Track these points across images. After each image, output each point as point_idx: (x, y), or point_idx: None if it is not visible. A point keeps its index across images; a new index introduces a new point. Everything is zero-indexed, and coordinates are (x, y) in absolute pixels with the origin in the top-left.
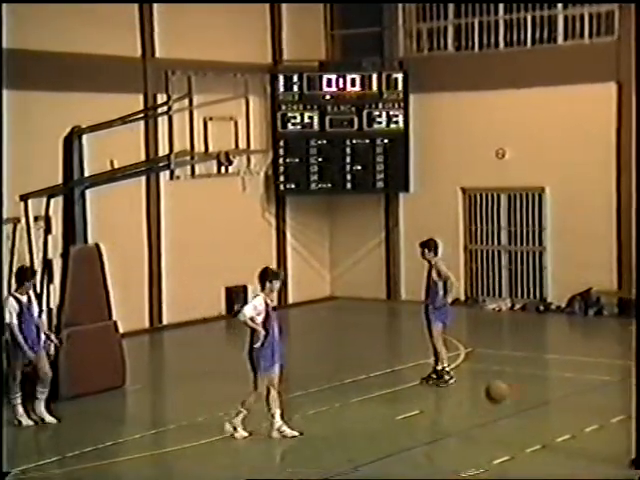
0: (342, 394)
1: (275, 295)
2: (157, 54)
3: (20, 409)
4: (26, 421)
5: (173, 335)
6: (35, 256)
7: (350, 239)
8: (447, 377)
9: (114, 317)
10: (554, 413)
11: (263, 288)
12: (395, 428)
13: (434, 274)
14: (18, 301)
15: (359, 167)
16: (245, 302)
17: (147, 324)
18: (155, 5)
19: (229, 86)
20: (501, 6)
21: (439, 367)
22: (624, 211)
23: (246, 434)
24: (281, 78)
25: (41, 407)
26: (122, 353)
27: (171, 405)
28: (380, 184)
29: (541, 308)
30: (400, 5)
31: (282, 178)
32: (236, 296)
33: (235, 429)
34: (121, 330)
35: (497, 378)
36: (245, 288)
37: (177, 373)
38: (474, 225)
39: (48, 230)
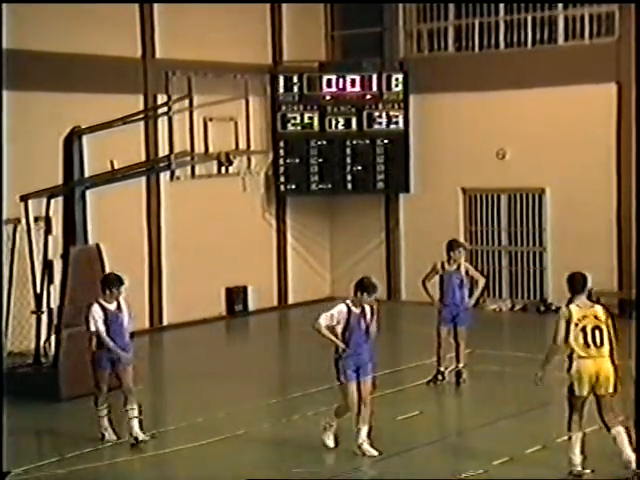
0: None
1: (368, 308)
2: (157, 55)
3: (105, 422)
4: (110, 435)
5: (173, 335)
6: (35, 257)
7: (350, 240)
8: (440, 377)
9: None
10: (554, 414)
11: (355, 296)
12: (395, 428)
13: (462, 275)
14: (103, 309)
15: (359, 168)
16: (245, 302)
17: (147, 324)
18: (155, 5)
19: (229, 87)
20: (501, 7)
21: (460, 366)
22: (624, 212)
23: (375, 452)
24: (281, 79)
25: (135, 426)
26: None
27: (171, 405)
28: (380, 185)
29: (541, 309)
30: (400, 6)
31: (282, 179)
32: (236, 296)
33: (360, 447)
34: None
35: (497, 379)
36: (245, 288)
37: (177, 373)
38: (474, 226)
39: (48, 230)
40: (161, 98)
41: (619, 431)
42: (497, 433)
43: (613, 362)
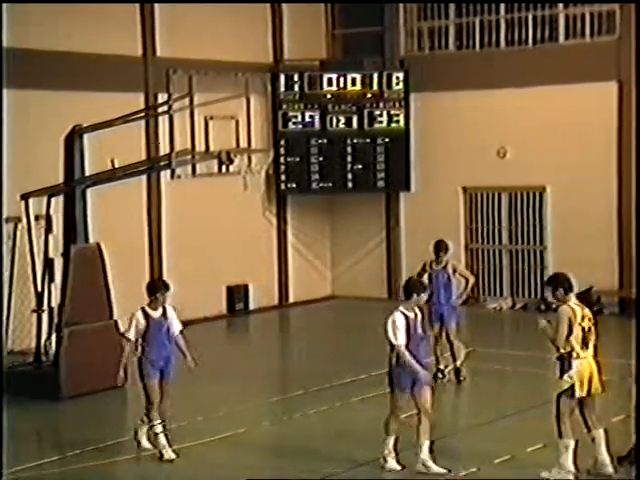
0: (343, 393)
1: (418, 310)
2: (158, 53)
3: (162, 439)
4: (168, 454)
5: None
6: (36, 255)
7: (351, 238)
8: (440, 375)
9: (115, 316)
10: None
11: (408, 299)
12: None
13: (449, 273)
14: (146, 316)
15: (360, 166)
16: (246, 301)
17: None
18: (156, 4)
19: (230, 85)
20: (502, 5)
21: (457, 364)
22: (625, 210)
23: (398, 467)
24: (282, 77)
25: (162, 440)
26: (123, 352)
27: (172, 404)
28: (381, 183)
29: (542, 307)
30: (401, 4)
31: (283, 177)
32: (237, 295)
33: (385, 460)
34: (122, 329)
35: (498, 377)
36: (246, 287)
37: (178, 372)
38: (475, 224)
39: (49, 229)
40: (162, 97)
41: (600, 434)
42: (498, 431)
43: (597, 362)
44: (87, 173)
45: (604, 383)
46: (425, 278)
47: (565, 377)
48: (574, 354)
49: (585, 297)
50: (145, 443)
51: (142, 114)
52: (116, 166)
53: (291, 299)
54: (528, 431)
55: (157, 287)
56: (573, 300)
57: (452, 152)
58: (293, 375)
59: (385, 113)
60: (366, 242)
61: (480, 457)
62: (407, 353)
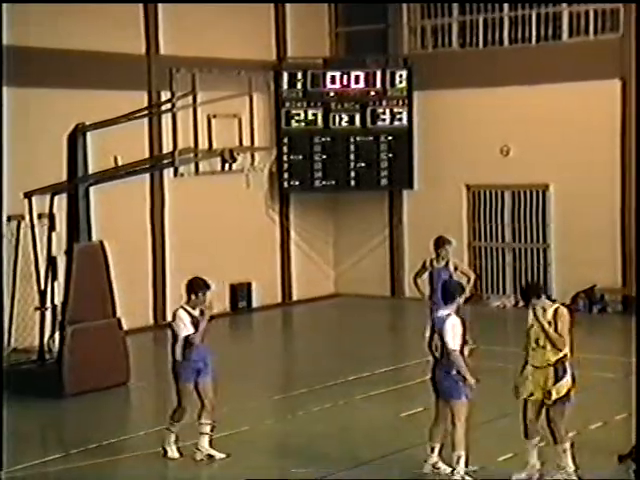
0: (346, 391)
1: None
2: (161, 51)
3: (172, 438)
4: (173, 453)
5: None
6: (39, 253)
7: (354, 236)
8: None
9: (118, 314)
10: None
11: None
12: (399, 425)
13: (450, 271)
14: (190, 315)
15: (363, 164)
16: (249, 299)
17: (151, 321)
18: (159, 2)
19: (233, 83)
20: (506, 3)
21: None
22: (628, 208)
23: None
24: (285, 75)
25: (205, 443)
26: (126, 350)
27: (175, 402)
28: (384, 181)
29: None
30: (404, 2)
31: (286, 175)
32: (240, 293)
33: (452, 471)
34: (125, 327)
35: (501, 375)
36: (249, 285)
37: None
38: (478, 222)
39: (52, 227)
40: (165, 95)
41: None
42: (501, 429)
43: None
44: (90, 171)
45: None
46: (426, 276)
47: (564, 381)
48: (567, 359)
49: (588, 295)
50: (173, 453)
51: (145, 112)
52: (119, 164)
53: (294, 297)
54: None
55: (200, 286)
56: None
57: (455, 150)
58: (296, 373)
59: (388, 111)
60: (369, 240)
61: (483, 455)
62: (461, 359)
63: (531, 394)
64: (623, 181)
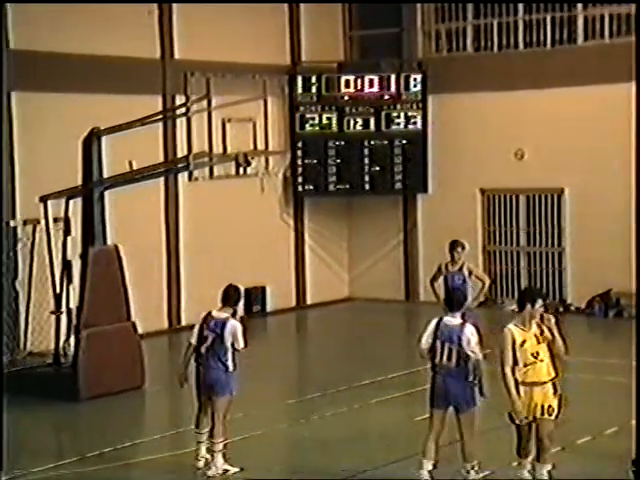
0: (360, 395)
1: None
2: (176, 55)
3: (203, 450)
4: (201, 465)
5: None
6: (54, 257)
7: (368, 240)
8: None
9: (133, 318)
10: (574, 415)
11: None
12: (413, 429)
13: (465, 276)
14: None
15: (377, 168)
16: (264, 303)
17: (166, 325)
18: (174, 6)
19: (247, 87)
20: (520, 6)
21: None
22: None
23: None
24: (299, 79)
25: (219, 461)
26: (141, 354)
27: (190, 406)
28: (398, 185)
29: (560, 309)
30: (419, 6)
31: (300, 179)
32: (254, 297)
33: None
34: (140, 331)
35: None
36: (263, 289)
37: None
38: (493, 226)
39: (67, 231)
40: (179, 99)
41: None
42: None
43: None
44: (105, 175)
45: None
46: (441, 280)
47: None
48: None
49: (604, 299)
50: (200, 464)
51: (160, 116)
52: (134, 168)
53: (308, 301)
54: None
55: (233, 296)
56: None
57: (470, 154)
58: (310, 377)
59: (402, 115)
60: (383, 244)
61: (497, 460)
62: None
63: (526, 416)
64: (638, 185)
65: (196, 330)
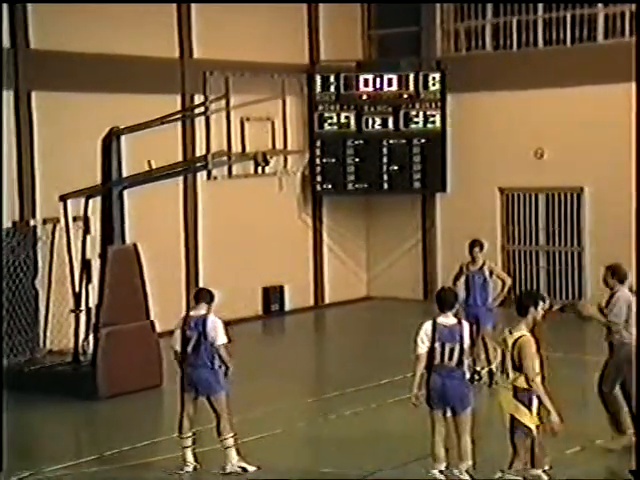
0: (378, 395)
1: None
2: (195, 55)
3: (189, 455)
4: (190, 469)
5: None
6: (74, 256)
7: (387, 239)
8: (477, 377)
9: (152, 317)
10: (593, 414)
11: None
12: (427, 429)
13: (485, 275)
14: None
15: (396, 167)
16: (282, 302)
17: None
18: (193, 6)
19: (266, 86)
20: (540, 5)
21: (492, 367)
22: None
23: None
24: (318, 78)
25: (233, 456)
26: (159, 353)
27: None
28: (417, 184)
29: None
30: (438, 4)
31: (319, 178)
32: (273, 296)
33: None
34: (158, 330)
35: None
36: (282, 288)
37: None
38: (512, 225)
39: (87, 230)
40: (198, 98)
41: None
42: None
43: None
44: (124, 174)
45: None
46: (462, 280)
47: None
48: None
49: None
50: (189, 468)
51: (179, 116)
52: (153, 167)
53: (327, 300)
54: (565, 434)
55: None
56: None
57: (488, 153)
58: (328, 376)
59: (421, 114)
60: (402, 243)
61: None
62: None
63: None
64: (638, 184)
65: (177, 334)
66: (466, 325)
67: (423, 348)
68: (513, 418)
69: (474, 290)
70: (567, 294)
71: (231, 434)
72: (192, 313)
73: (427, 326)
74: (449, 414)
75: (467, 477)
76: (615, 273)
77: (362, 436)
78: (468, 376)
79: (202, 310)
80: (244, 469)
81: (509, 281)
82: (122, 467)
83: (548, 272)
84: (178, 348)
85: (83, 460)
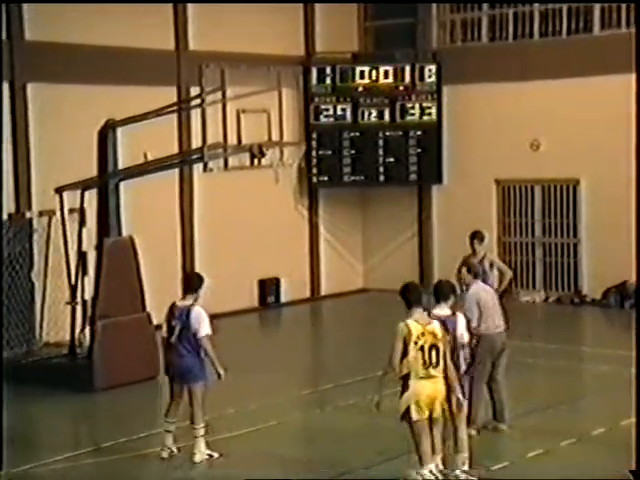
0: (374, 386)
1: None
2: (191, 47)
3: (170, 439)
4: (166, 455)
5: None
6: (70, 248)
7: (383, 231)
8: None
9: (148, 309)
10: (589, 406)
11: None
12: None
13: (485, 267)
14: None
15: (392, 159)
16: (278, 294)
17: None
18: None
19: (262, 78)
20: None
21: None
22: None
23: None
24: (314, 70)
25: (202, 446)
26: (156, 345)
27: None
28: (413, 176)
29: (576, 300)
30: None
31: (315, 170)
32: (269, 288)
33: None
34: (155, 322)
35: (531, 371)
36: (278, 280)
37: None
38: (508, 217)
39: (83, 222)
40: (194, 90)
41: (438, 461)
42: (531, 425)
43: (447, 382)
44: (120, 166)
45: (452, 405)
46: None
47: (399, 400)
48: (411, 375)
49: (620, 290)
50: (165, 454)
51: (175, 108)
52: (149, 159)
53: (323, 292)
54: (561, 425)
55: (194, 282)
56: (417, 315)
57: (485, 145)
58: (324, 368)
59: (417, 106)
60: (398, 235)
61: (513, 451)
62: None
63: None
64: (638, 178)
65: (164, 323)
66: (461, 317)
67: None
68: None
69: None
70: (563, 285)
71: (203, 424)
72: (178, 303)
73: None
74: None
75: (465, 476)
76: (470, 269)
77: (358, 428)
78: (464, 368)
79: (189, 300)
80: (211, 455)
81: (509, 273)
82: (119, 459)
83: (544, 263)
84: (165, 334)
85: (80, 452)
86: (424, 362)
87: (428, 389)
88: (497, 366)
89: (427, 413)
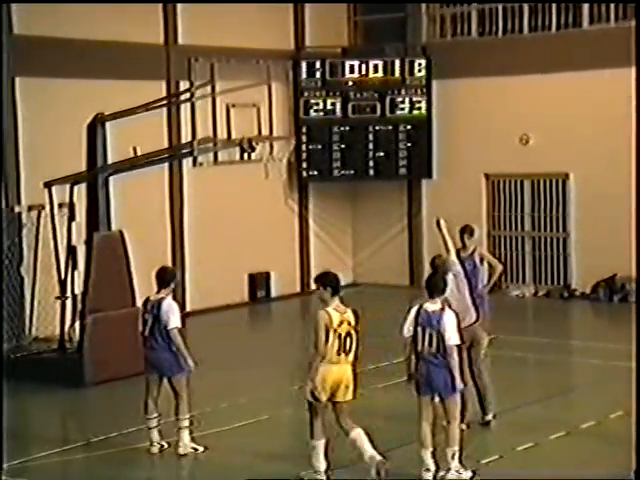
0: (365, 380)
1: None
2: (180, 41)
3: (156, 435)
4: (154, 450)
5: (196, 322)
6: (59, 243)
7: (373, 226)
8: None
9: (137, 303)
10: (578, 399)
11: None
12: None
13: (475, 261)
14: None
15: (382, 154)
16: (268, 288)
17: None
18: None
19: (252, 73)
20: None
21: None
22: None
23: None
24: (304, 64)
25: (187, 438)
26: None
27: (195, 391)
28: (403, 170)
29: (565, 294)
30: None
31: (305, 165)
32: (259, 282)
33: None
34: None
35: (520, 365)
36: (268, 274)
37: (200, 359)
38: (497, 211)
39: (72, 217)
40: (184, 84)
41: (358, 433)
42: (520, 419)
43: (354, 369)
44: (109, 161)
45: (356, 391)
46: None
47: (308, 382)
48: (323, 360)
49: (609, 284)
50: (155, 449)
51: (164, 102)
52: (138, 154)
53: (313, 286)
54: (551, 419)
55: (167, 276)
56: (335, 304)
57: (474, 139)
58: None
59: (407, 100)
60: (388, 229)
61: (502, 445)
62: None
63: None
64: (638, 172)
65: (140, 317)
66: (449, 313)
67: (407, 333)
68: None
69: (471, 276)
70: (552, 279)
71: (187, 416)
72: (152, 297)
73: (413, 311)
74: (437, 400)
75: (454, 463)
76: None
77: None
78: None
79: (162, 294)
80: (195, 449)
81: (500, 267)
82: (109, 453)
83: (534, 257)
84: (140, 328)
85: (70, 447)
86: (339, 348)
87: (335, 373)
88: (475, 360)
89: (328, 395)
